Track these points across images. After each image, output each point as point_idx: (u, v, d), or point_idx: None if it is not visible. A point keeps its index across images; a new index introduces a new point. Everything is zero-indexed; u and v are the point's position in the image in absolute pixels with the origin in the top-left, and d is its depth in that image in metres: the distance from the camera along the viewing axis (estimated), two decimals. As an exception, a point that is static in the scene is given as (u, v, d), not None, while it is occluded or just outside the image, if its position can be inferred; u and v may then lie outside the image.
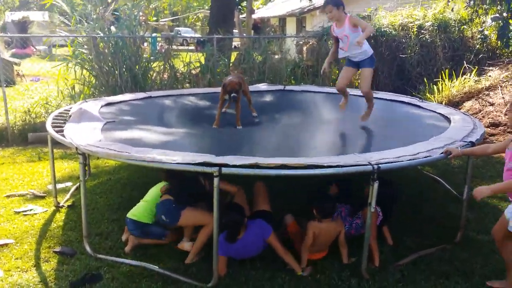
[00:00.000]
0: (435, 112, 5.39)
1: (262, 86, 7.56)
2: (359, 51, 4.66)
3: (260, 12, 27.11)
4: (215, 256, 3.39)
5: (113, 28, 9.96)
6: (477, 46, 9.76)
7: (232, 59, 11.38)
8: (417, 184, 5.65)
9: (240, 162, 3.26)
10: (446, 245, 4.02)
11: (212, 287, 3.38)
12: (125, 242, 4.06)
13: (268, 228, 3.56)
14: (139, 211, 4.06)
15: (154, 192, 4.19)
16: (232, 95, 5.04)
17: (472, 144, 3.94)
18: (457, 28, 9.90)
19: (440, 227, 4.40)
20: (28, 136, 7.88)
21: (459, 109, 6.99)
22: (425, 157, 3.55)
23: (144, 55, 9.72)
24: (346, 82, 5.04)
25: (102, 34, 9.00)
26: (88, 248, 3.90)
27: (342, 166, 3.30)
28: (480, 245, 4.08)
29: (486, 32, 9.74)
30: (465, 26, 9.95)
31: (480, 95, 8.14)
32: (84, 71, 9.06)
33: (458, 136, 4.16)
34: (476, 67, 8.81)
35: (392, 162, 3.40)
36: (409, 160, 3.49)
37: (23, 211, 4.79)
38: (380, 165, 3.29)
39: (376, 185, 3.31)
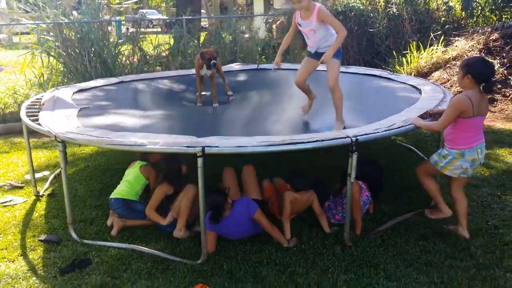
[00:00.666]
0: (406, 83, 5.55)
1: (236, 66, 7.57)
2: (327, 45, 4.03)
3: (226, -9, 26.76)
4: (203, 233, 3.46)
5: (75, 13, 9.69)
6: (443, 17, 9.98)
7: (202, 40, 11.29)
8: (390, 153, 5.84)
9: (223, 144, 3.33)
10: (422, 210, 4.21)
11: (201, 263, 3.46)
12: (111, 226, 4.09)
13: (253, 205, 3.64)
14: (123, 189, 4.14)
15: (133, 171, 4.28)
16: (212, 62, 5.06)
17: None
18: (422, 1, 10.09)
19: (415, 194, 4.58)
20: (-2, 128, 7.70)
21: (428, 80, 7.20)
22: (399, 127, 3.68)
23: (111, 40, 9.53)
24: (306, 76, 4.39)
25: (67, 20, 8.77)
26: (74, 234, 3.91)
27: (322, 141, 3.40)
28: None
29: (450, 4, 9.98)
30: (430, -2, 10.17)
31: (448, 65, 8.38)
32: (51, 58, 8.84)
33: (430, 105, 4.31)
34: (442, 37, 9.03)
35: (368, 134, 3.52)
36: (384, 131, 3.62)
37: (2, 202, 4.72)
38: (358, 137, 3.41)
39: (355, 156, 3.43)
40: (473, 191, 4.60)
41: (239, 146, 3.30)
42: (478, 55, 8.09)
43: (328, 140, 3.41)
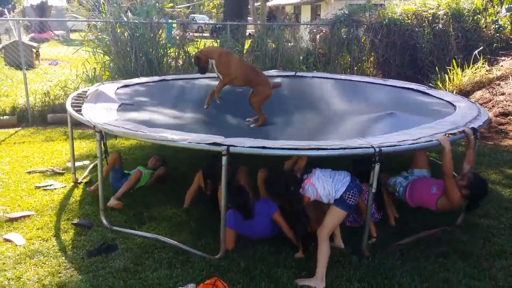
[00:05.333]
0: (442, 99, 5.49)
1: (274, 72, 7.70)
2: None
3: (275, 0, 27.05)
4: (223, 230, 3.59)
5: (129, 14, 10.15)
6: (491, 36, 9.72)
7: (247, 46, 11.51)
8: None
9: (248, 144, 3.44)
10: (447, 227, 4.16)
11: (219, 258, 3.59)
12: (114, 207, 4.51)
13: (273, 205, 3.76)
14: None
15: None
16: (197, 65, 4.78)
17: (474, 129, 4.03)
18: (471, 18, 9.87)
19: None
20: (48, 117, 8.17)
21: (469, 99, 7.05)
22: (425, 142, 3.66)
23: (159, 41, 9.90)
24: None
25: (121, 19, 9.22)
26: (104, 221, 4.14)
27: (345, 148, 3.45)
28: (480, 228, 4.21)
29: (500, 22, 9.70)
30: (479, 16, 9.91)
31: (491, 84, 8.16)
32: (103, 56, 9.31)
33: (462, 121, 4.25)
34: (488, 56, 8.80)
35: (393, 146, 3.53)
36: (410, 144, 3.61)
37: (43, 186, 5.05)
38: (382, 148, 3.43)
39: (377, 167, 3.45)
40: (503, 213, 4.49)
41: (263, 148, 3.40)
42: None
43: (352, 148, 3.45)
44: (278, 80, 7.16)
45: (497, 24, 9.69)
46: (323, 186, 3.56)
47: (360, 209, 4.02)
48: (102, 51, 9.32)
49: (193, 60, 4.94)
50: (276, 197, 3.77)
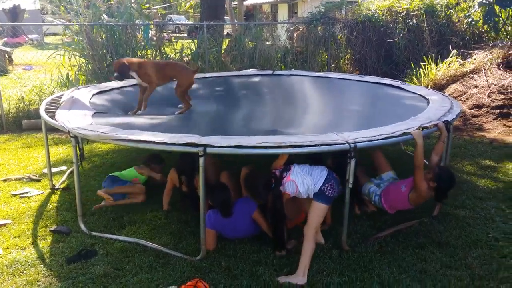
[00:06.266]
0: (415, 93, 5.58)
1: (251, 71, 7.72)
2: None
3: (252, -1, 27.07)
4: (203, 230, 3.59)
5: (105, 16, 10.04)
6: (464, 30, 9.92)
7: (224, 45, 11.50)
8: (400, 163, 5.83)
9: (224, 143, 3.44)
10: (423, 219, 4.24)
11: (200, 259, 3.59)
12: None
13: (253, 204, 3.77)
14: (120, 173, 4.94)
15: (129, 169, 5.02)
16: (115, 74, 5.06)
17: (447, 123, 4.12)
18: (443, 13, 10.05)
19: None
20: (22, 123, 8.02)
21: (444, 92, 7.18)
22: (398, 135, 3.73)
23: (136, 42, 9.80)
24: None
25: (97, 22, 9.11)
26: (83, 227, 4.10)
27: (320, 145, 3.48)
28: (456, 218, 4.30)
29: (472, 17, 9.90)
30: (451, 11, 10.10)
31: (465, 78, 8.33)
32: (79, 58, 9.18)
33: (435, 116, 4.34)
34: (462, 50, 8.98)
35: (368, 141, 3.58)
36: (385, 138, 3.66)
37: (19, 194, 4.97)
38: (356, 143, 3.47)
39: (353, 163, 3.49)
40: (478, 203, 4.59)
41: (240, 147, 3.41)
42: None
43: (327, 145, 3.48)
44: (256, 79, 7.20)
45: (470, 18, 9.88)
46: (302, 181, 3.61)
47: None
48: (78, 54, 9.18)
49: (114, 66, 5.09)
50: (257, 196, 3.78)
